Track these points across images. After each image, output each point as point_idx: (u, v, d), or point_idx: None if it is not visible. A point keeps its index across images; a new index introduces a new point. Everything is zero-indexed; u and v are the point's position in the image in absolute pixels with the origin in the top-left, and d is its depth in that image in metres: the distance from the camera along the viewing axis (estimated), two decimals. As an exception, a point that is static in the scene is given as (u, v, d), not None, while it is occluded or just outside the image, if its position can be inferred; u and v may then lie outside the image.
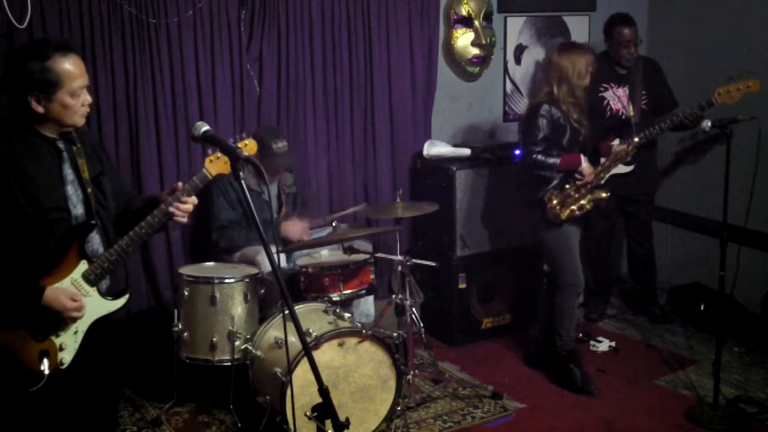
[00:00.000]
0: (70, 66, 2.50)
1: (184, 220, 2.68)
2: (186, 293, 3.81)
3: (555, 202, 4.10)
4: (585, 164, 4.10)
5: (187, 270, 3.95)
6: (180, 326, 3.82)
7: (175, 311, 3.86)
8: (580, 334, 4.93)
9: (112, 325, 2.73)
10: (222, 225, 4.22)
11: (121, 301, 2.69)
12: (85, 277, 2.59)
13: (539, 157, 4.06)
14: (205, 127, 2.46)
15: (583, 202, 4.12)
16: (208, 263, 4.12)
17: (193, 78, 4.36)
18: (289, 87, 4.63)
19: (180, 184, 2.70)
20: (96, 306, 2.62)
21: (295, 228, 4.33)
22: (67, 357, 2.57)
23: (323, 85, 4.73)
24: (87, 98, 2.57)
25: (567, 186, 4.11)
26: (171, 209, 2.64)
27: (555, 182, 4.12)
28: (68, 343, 2.57)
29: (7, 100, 2.54)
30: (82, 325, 2.59)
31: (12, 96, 2.51)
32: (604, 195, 4.16)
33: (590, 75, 4.11)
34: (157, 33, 4.22)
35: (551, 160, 4.05)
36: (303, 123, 4.71)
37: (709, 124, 3.95)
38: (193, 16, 4.30)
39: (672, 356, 4.64)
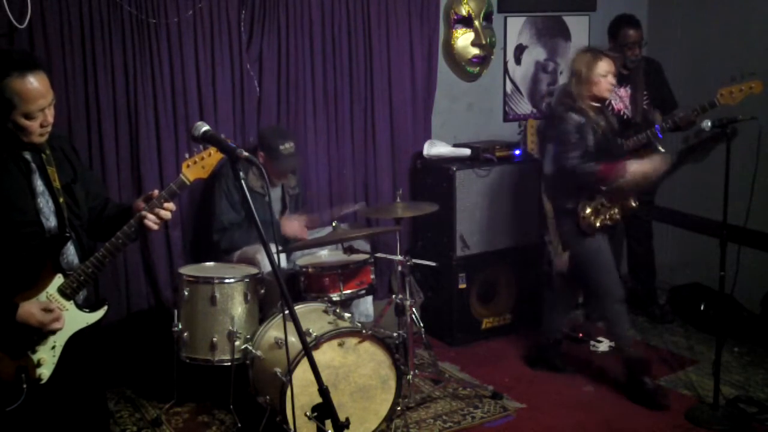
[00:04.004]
0: (25, 87, 2.37)
1: (156, 227, 2.59)
2: (186, 293, 3.80)
3: (588, 211, 4.02)
4: (635, 166, 3.94)
5: (187, 270, 3.95)
6: (180, 326, 3.81)
7: (175, 311, 3.86)
8: (580, 334, 4.94)
9: (95, 335, 2.65)
10: (223, 227, 4.22)
11: (99, 313, 2.62)
12: (61, 291, 2.52)
13: (578, 163, 3.93)
14: (205, 127, 2.45)
15: (613, 211, 4.05)
16: (208, 263, 4.12)
17: (193, 78, 4.36)
18: (289, 87, 4.63)
19: (156, 191, 2.64)
20: (73, 320, 2.55)
21: (292, 225, 4.33)
22: (45, 372, 2.51)
23: (323, 85, 4.73)
24: (48, 119, 2.44)
25: (596, 196, 4.04)
26: (144, 214, 2.55)
27: (572, 190, 4.04)
28: (46, 359, 2.51)
29: None
30: (59, 340, 2.53)
31: None
32: (634, 204, 4.09)
33: (606, 84, 3.99)
34: (157, 33, 4.22)
35: (590, 167, 3.92)
36: (303, 123, 4.71)
37: (710, 123, 3.94)
38: (193, 16, 4.30)
39: (672, 356, 4.63)
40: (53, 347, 2.52)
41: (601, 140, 4.01)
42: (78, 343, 2.57)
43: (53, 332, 2.50)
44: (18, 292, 2.48)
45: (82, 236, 2.65)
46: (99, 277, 2.63)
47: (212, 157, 2.62)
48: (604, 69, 3.99)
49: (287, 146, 4.24)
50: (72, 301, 2.55)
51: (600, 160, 3.93)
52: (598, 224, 4.03)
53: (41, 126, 2.44)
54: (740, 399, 4.04)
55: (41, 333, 2.49)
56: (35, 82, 2.39)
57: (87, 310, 2.59)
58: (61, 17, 3.99)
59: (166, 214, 2.60)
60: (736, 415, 3.89)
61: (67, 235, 2.55)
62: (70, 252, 2.59)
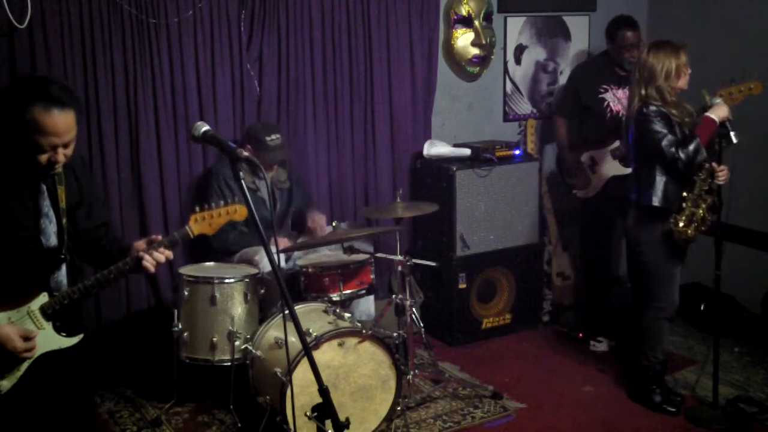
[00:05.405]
0: (43, 120, 2.35)
1: (152, 270, 2.58)
2: (186, 293, 3.81)
3: (682, 225, 3.80)
4: (716, 112, 3.75)
5: (187, 270, 3.95)
6: (180, 326, 3.81)
7: (175, 311, 3.86)
8: (581, 334, 4.94)
9: (72, 355, 2.62)
10: None
11: (73, 340, 2.59)
12: (43, 310, 2.51)
13: (680, 153, 3.73)
14: (205, 127, 2.44)
15: (702, 214, 3.82)
16: (208, 263, 4.12)
17: (193, 78, 4.36)
18: (289, 87, 4.64)
19: (159, 237, 2.65)
20: (47, 340, 2.53)
21: (320, 219, 4.40)
22: (5, 384, 2.49)
23: (323, 85, 4.73)
24: (57, 157, 2.41)
25: (684, 205, 3.82)
26: (142, 254, 2.55)
27: (660, 188, 3.85)
28: (10, 372, 2.49)
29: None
30: None
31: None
32: (714, 198, 3.86)
33: (684, 77, 3.85)
34: (157, 33, 4.22)
35: (692, 146, 3.73)
36: (303, 123, 4.71)
37: (718, 100, 3.88)
38: (193, 16, 4.30)
39: (672, 356, 4.63)
40: (19, 363, 2.51)
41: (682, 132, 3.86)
42: (49, 361, 2.55)
43: (24, 359, 2.49)
44: (1, 303, 2.48)
45: (75, 260, 2.66)
46: (82, 304, 2.63)
47: (221, 217, 2.67)
48: (686, 59, 3.85)
49: (274, 137, 4.25)
50: (51, 322, 2.54)
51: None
52: (693, 232, 3.83)
53: (49, 160, 2.42)
54: (740, 399, 4.04)
55: (11, 356, 2.46)
56: (56, 119, 2.37)
57: (64, 334, 2.58)
58: (61, 17, 3.99)
59: (161, 259, 2.60)
60: (736, 415, 3.89)
61: (62, 256, 2.56)
62: (61, 273, 2.59)
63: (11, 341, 2.43)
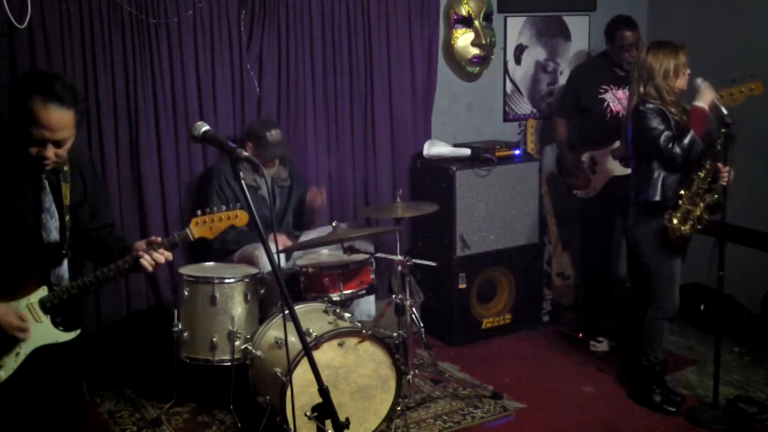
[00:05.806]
0: (38, 112, 2.37)
1: (150, 269, 2.61)
2: (186, 293, 3.81)
3: (676, 221, 3.80)
4: (702, 100, 3.75)
5: (187, 270, 3.95)
6: (180, 326, 3.82)
7: (175, 311, 3.86)
8: (581, 334, 4.94)
9: (68, 352, 2.65)
10: None
11: (70, 335, 2.62)
12: (42, 303, 2.54)
13: (676, 148, 3.74)
14: (205, 127, 2.45)
15: (698, 212, 3.81)
16: (208, 263, 4.12)
17: (193, 78, 4.36)
18: (289, 87, 4.64)
19: (159, 238, 2.67)
20: (44, 333, 2.56)
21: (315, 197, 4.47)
22: (2, 374, 2.52)
23: (323, 84, 4.73)
24: (47, 153, 2.42)
25: (681, 202, 3.81)
26: (141, 254, 2.59)
27: (658, 184, 3.84)
28: (7, 362, 2.52)
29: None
30: (25, 348, 2.54)
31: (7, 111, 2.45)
32: (714, 198, 3.83)
33: (683, 77, 3.86)
34: (157, 33, 4.22)
35: (687, 140, 3.73)
36: (303, 123, 4.71)
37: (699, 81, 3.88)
38: (193, 16, 4.30)
39: (672, 356, 4.63)
40: (17, 354, 2.54)
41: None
42: (45, 355, 2.57)
43: (15, 339, 2.51)
44: (1, 295, 2.50)
45: (77, 256, 2.68)
46: (81, 300, 2.65)
47: (222, 222, 2.72)
48: (685, 59, 3.86)
49: (273, 133, 4.27)
50: (49, 316, 2.57)
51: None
52: (688, 230, 3.81)
53: (37, 155, 2.43)
54: (740, 399, 4.04)
55: (7, 337, 2.49)
56: (51, 114, 2.38)
57: (61, 329, 2.60)
58: (61, 17, 3.99)
59: (160, 259, 2.63)
60: (736, 415, 3.89)
61: (64, 252, 2.58)
62: (63, 268, 2.62)
63: (7, 316, 2.46)
